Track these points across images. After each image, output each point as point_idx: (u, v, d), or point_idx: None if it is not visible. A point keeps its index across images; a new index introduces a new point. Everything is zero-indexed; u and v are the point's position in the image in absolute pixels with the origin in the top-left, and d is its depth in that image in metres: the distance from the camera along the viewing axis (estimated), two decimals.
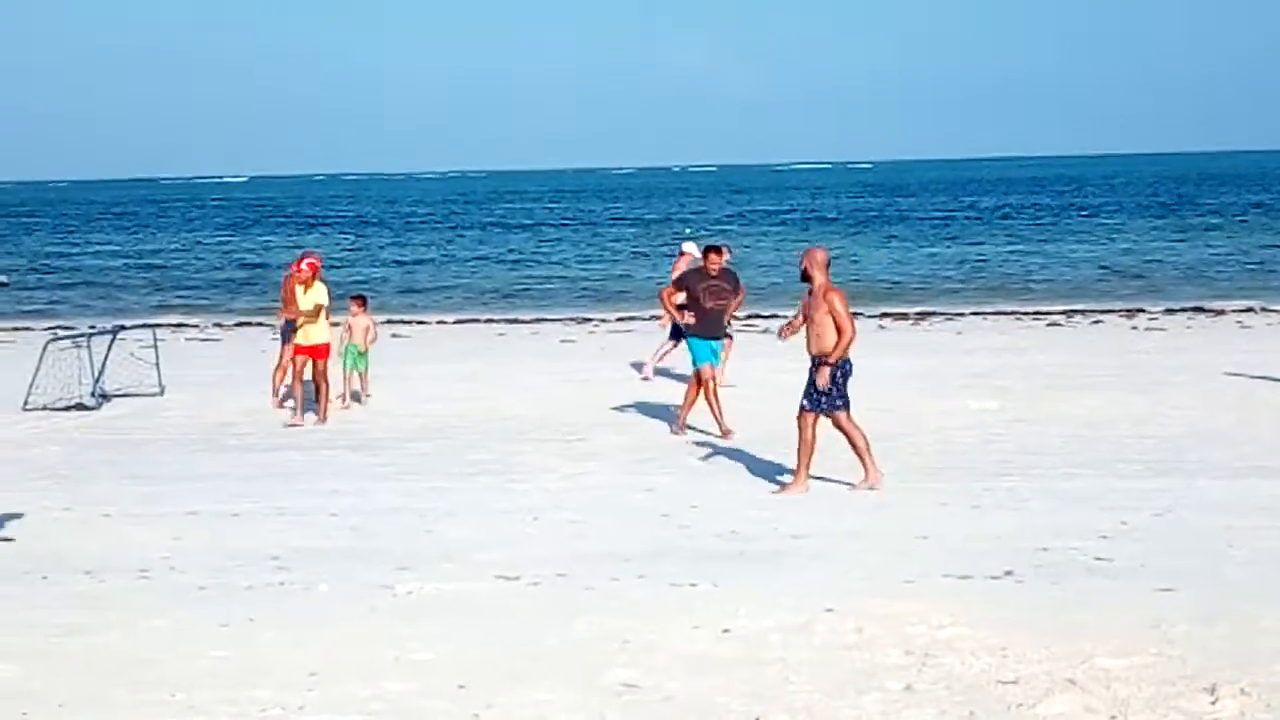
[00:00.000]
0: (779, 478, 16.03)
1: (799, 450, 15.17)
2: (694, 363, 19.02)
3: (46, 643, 10.10)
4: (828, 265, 15.28)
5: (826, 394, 15.01)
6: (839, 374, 15.06)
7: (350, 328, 22.39)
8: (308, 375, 20.86)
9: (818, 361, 15.05)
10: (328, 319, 20.89)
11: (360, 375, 22.38)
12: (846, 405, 15.11)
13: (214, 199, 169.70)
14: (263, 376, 24.60)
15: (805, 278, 15.22)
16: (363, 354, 22.29)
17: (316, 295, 20.78)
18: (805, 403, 15.15)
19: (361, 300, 23.10)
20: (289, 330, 21.50)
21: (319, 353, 20.75)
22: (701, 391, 18.90)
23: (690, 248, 23.67)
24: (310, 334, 20.80)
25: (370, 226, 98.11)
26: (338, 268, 62.52)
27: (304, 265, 20.77)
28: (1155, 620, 9.97)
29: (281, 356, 22.20)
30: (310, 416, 20.59)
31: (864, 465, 15.25)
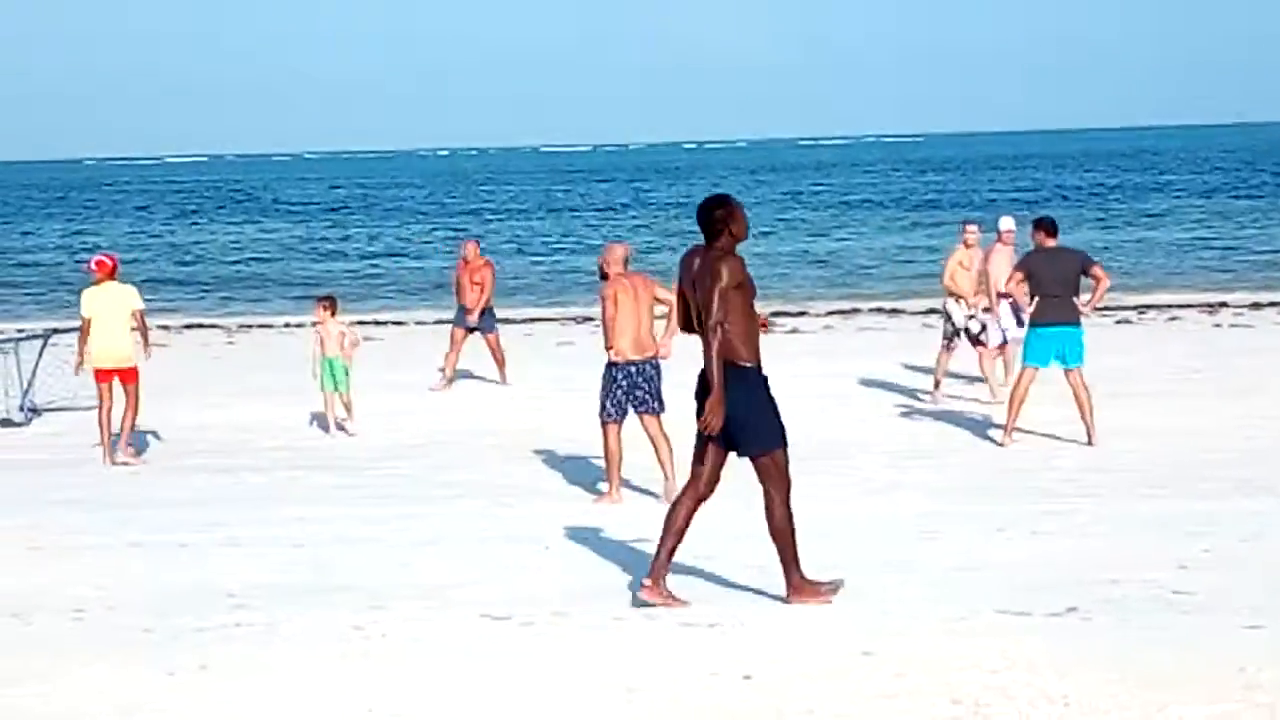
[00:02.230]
0: (814, 502, 16.03)
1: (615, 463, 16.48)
2: (1027, 359, 19.06)
3: None
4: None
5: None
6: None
7: (321, 338, 21.38)
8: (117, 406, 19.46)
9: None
10: (144, 330, 19.78)
11: (342, 398, 21.30)
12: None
13: (162, 181, 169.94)
14: (215, 386, 24.59)
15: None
16: (344, 369, 21.25)
17: (109, 301, 19.45)
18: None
19: (330, 302, 22.02)
20: (462, 313, 25.39)
21: (125, 375, 19.51)
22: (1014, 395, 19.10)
23: (1009, 223, 22.92)
24: (109, 350, 19.43)
25: (335, 212, 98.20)
26: (282, 260, 62.61)
27: (93, 266, 19.79)
28: (1241, 663, 9.94)
29: (453, 336, 25.75)
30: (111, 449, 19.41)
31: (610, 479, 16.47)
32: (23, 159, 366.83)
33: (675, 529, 11.85)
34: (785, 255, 58.56)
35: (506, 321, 37.51)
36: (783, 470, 11.81)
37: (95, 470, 18.93)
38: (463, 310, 25.83)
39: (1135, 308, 37.06)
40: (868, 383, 24.68)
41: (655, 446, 16.54)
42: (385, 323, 38.53)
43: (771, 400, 11.75)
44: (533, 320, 38.04)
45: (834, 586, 11.92)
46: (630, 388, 16.35)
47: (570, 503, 16.34)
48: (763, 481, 11.86)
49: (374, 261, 61.31)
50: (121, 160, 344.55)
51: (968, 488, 16.46)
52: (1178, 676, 9.72)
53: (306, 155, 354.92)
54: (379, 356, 30.05)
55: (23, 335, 24.71)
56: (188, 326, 38.99)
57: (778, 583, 12.58)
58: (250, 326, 38.81)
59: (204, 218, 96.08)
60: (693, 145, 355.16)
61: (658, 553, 11.84)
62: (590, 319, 38.01)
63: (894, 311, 37.24)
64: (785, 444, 11.83)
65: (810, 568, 13.07)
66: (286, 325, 38.65)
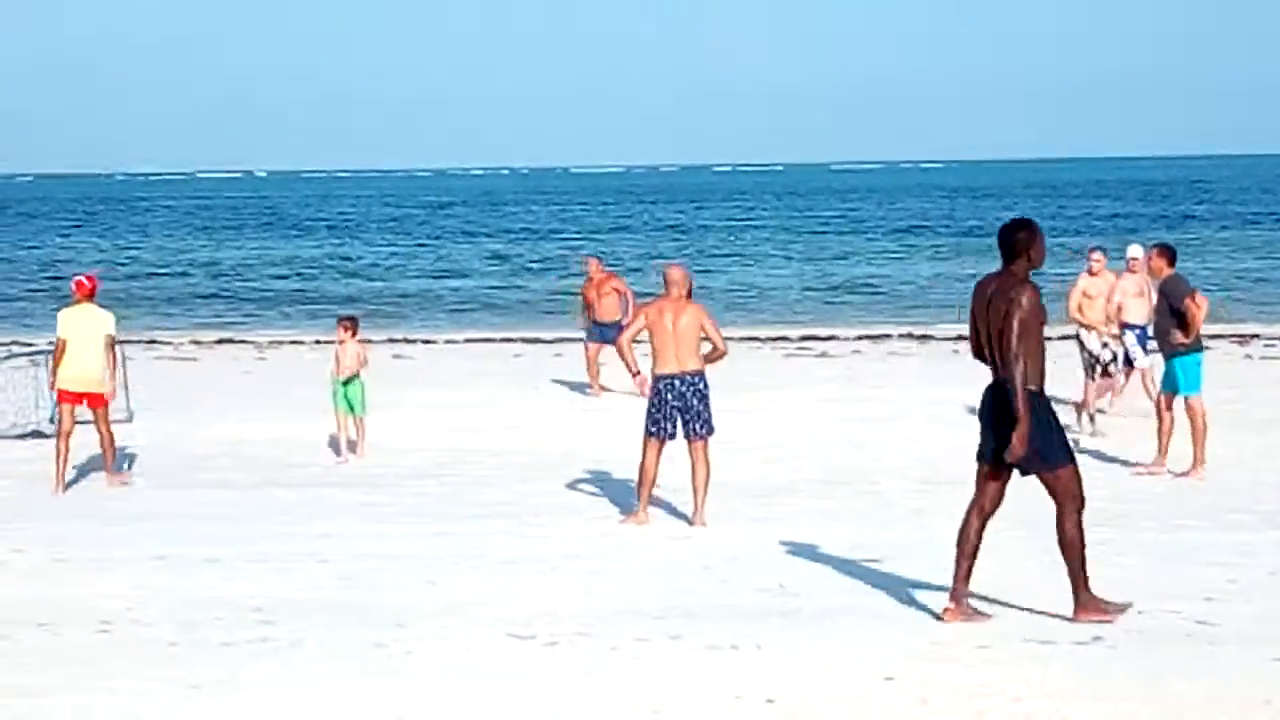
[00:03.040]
0: (840, 526, 16.01)
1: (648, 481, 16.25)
2: (1185, 388, 18.81)
3: None
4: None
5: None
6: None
7: (338, 358, 20.92)
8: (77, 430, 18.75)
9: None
10: (113, 360, 18.98)
11: (357, 422, 20.74)
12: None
13: (195, 196, 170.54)
14: (245, 401, 24.68)
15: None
16: (360, 390, 20.73)
17: (84, 324, 18.80)
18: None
19: (352, 322, 21.43)
20: (596, 328, 26.09)
21: (94, 400, 18.78)
22: (1193, 424, 18.76)
23: (1136, 251, 22.49)
24: (79, 374, 18.68)
25: (366, 230, 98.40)
26: (316, 277, 62.77)
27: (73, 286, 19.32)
28: (1267, 695, 9.91)
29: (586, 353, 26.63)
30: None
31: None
32: (54, 172, 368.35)
33: (968, 550, 11.93)
34: (823, 279, 58.56)
35: (537, 342, 37.66)
36: (1071, 486, 11.88)
37: (123, 483, 18.97)
38: (595, 326, 26.52)
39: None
40: (897, 407, 24.64)
41: (694, 470, 16.27)
42: (415, 341, 38.58)
43: (1055, 419, 11.86)
44: (562, 340, 38.04)
45: (1121, 608, 11.89)
46: (678, 402, 16.00)
47: (597, 523, 16.34)
48: (1054, 498, 11.93)
49: (406, 280, 61.43)
50: (153, 175, 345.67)
51: (996, 514, 16.38)
52: (1203, 708, 9.69)
53: (339, 174, 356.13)
54: (409, 375, 30.10)
55: (53, 347, 24.76)
56: (219, 342, 39.07)
57: (799, 607, 12.57)
58: (281, 343, 38.87)
59: (238, 233, 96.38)
60: (726, 168, 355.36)
61: (955, 575, 11.92)
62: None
63: (924, 338, 37.16)
64: (1073, 461, 11.92)
65: (837, 592, 13.07)
66: (318, 342, 38.70)
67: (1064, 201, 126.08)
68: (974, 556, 11.90)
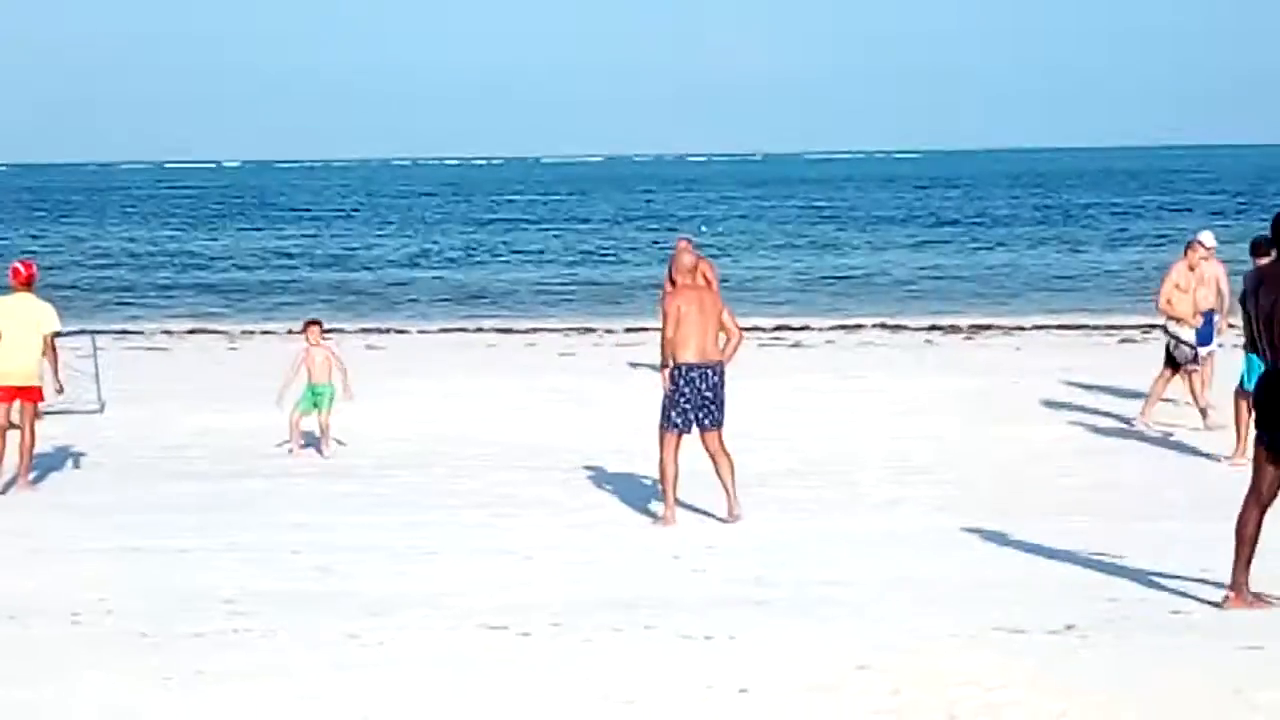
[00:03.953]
0: (813, 516, 16.04)
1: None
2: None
3: None
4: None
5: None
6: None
7: (306, 363, 20.47)
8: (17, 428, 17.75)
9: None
10: (54, 358, 17.85)
11: (321, 416, 20.29)
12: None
13: (166, 186, 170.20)
14: (217, 391, 24.64)
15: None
16: (330, 393, 20.32)
17: (20, 313, 17.69)
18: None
19: (318, 325, 21.22)
20: None
21: (27, 394, 17.74)
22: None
23: (1210, 239, 22.16)
24: (13, 368, 17.60)
25: (342, 219, 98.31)
26: (290, 266, 62.70)
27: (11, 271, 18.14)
28: (1238, 684, 9.93)
29: None
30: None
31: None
32: (21, 162, 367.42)
33: (1248, 538, 11.86)
34: (799, 270, 58.63)
35: (510, 331, 37.65)
36: None
37: (94, 474, 18.92)
38: None
39: (1140, 327, 37.04)
40: (870, 398, 24.68)
41: (716, 464, 15.83)
42: (387, 330, 38.55)
43: None
44: (536, 330, 38.05)
45: (1270, 601, 11.89)
46: (695, 396, 15.59)
47: (571, 514, 16.34)
48: None
49: (377, 269, 61.35)
50: (125, 165, 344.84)
51: (969, 504, 16.46)
52: (1175, 696, 9.72)
53: (311, 163, 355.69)
54: (382, 365, 30.06)
55: None
56: (190, 332, 38.99)
57: (772, 598, 12.59)
58: (253, 332, 38.81)
59: (210, 223, 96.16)
60: (701, 158, 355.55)
61: (1235, 564, 11.85)
62: (591, 329, 38.04)
63: (897, 328, 37.23)
64: None
65: (810, 582, 13.08)
66: (290, 332, 38.65)
67: (1049, 192, 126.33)
68: (1253, 545, 11.79)
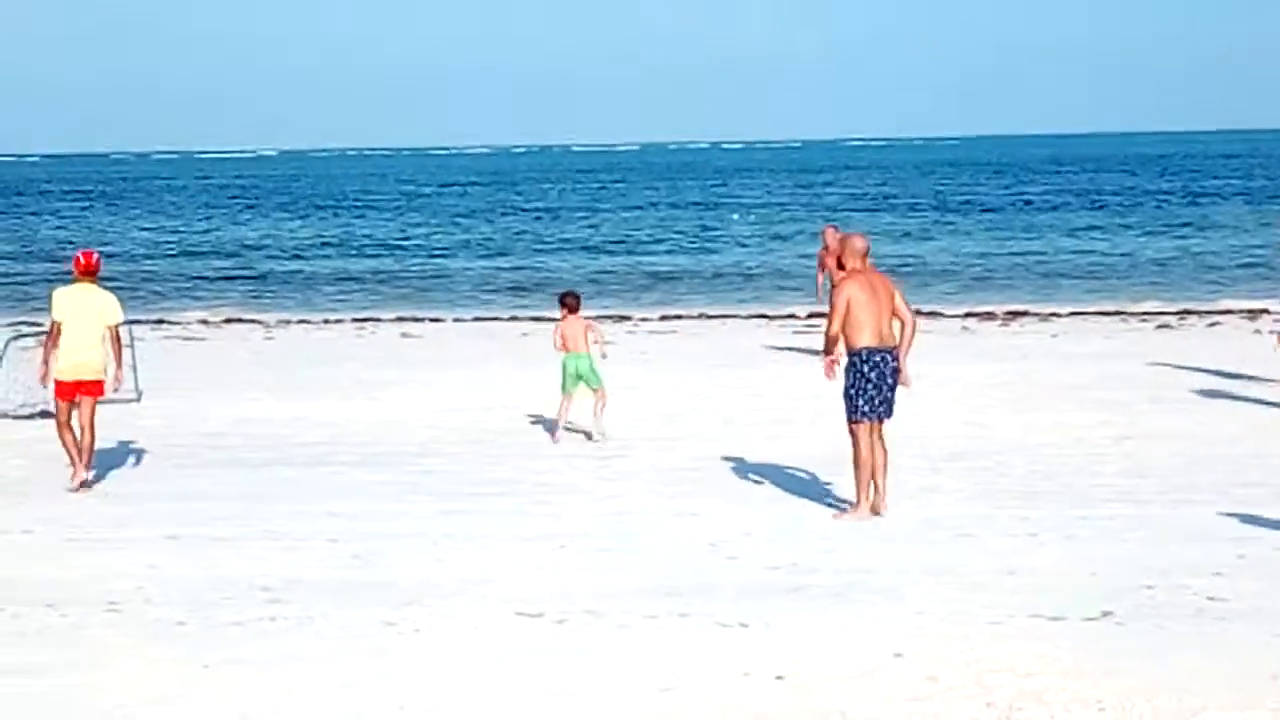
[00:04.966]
0: (843, 501, 16.03)
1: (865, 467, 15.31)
2: None
3: (1, 684, 10.17)
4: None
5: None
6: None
7: (562, 333, 20.28)
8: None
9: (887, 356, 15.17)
10: (118, 350, 17.35)
11: (597, 394, 20.02)
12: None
13: (201, 176, 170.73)
14: (254, 380, 24.73)
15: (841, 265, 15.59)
16: (590, 364, 20.04)
17: (84, 305, 17.25)
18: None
19: (573, 297, 20.79)
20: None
21: (89, 389, 17.24)
22: None
23: None
24: (78, 362, 17.14)
25: (378, 208, 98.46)
26: (324, 256, 62.80)
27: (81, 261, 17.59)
28: (1275, 670, 9.92)
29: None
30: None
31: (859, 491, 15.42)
32: (61, 152, 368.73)
33: None
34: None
35: (544, 320, 37.68)
36: None
37: (132, 463, 19.00)
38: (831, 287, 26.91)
39: (1177, 313, 36.93)
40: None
41: (876, 451, 15.35)
42: (423, 319, 38.61)
43: None
44: None
45: None
46: (879, 381, 15.10)
47: (606, 501, 16.35)
48: None
49: (412, 258, 61.43)
50: (157, 155, 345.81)
51: (1004, 491, 16.43)
52: (1212, 682, 9.71)
53: (347, 151, 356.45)
54: (418, 354, 30.15)
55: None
56: (227, 321, 39.12)
57: (808, 584, 12.59)
58: (289, 322, 38.92)
59: (247, 213, 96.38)
60: (739, 145, 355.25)
61: None
62: (626, 317, 38.04)
63: (934, 314, 37.15)
64: None
65: (847, 570, 13.08)
66: (325, 321, 38.78)
67: (1090, 177, 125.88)
68: None
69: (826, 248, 27.57)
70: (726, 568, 13.27)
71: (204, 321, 39.00)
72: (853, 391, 15.21)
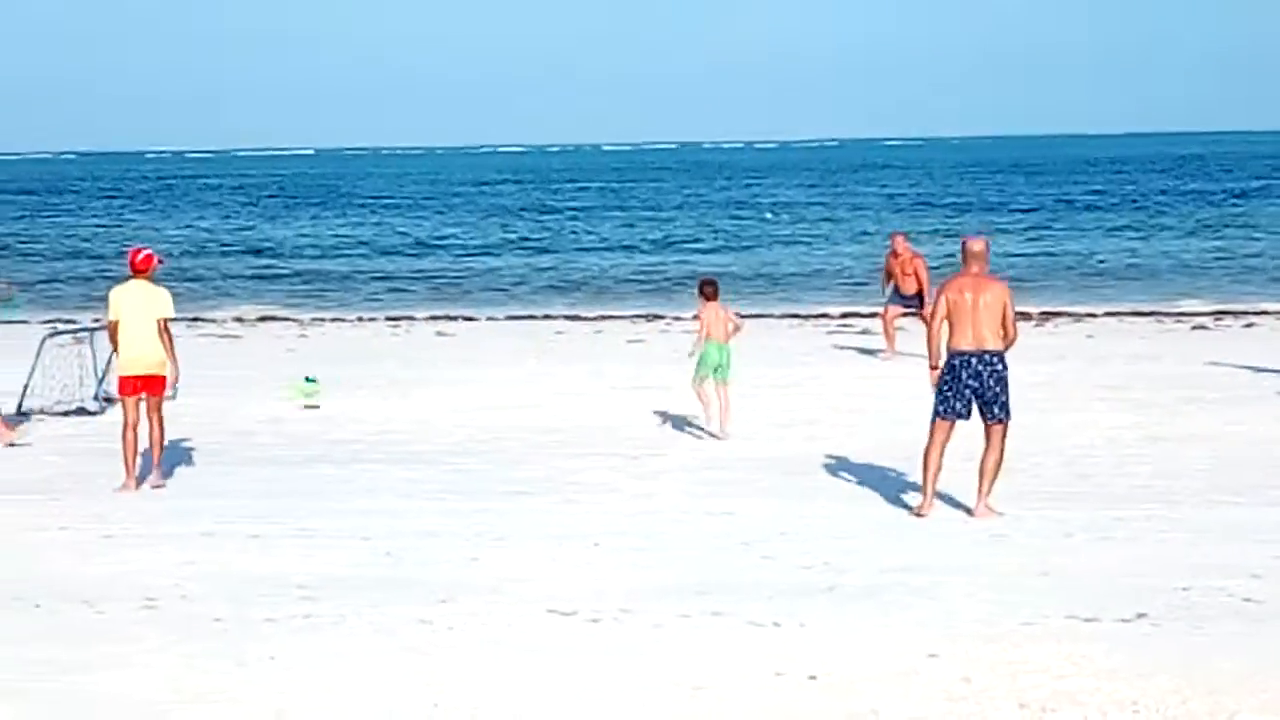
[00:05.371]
0: (883, 504, 16.01)
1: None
2: None
3: (36, 681, 10.22)
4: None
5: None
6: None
7: (703, 320, 20.09)
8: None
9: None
10: (169, 346, 17.37)
11: (720, 386, 19.92)
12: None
13: (232, 174, 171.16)
14: (288, 377, 24.77)
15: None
16: (727, 355, 19.91)
17: (139, 301, 17.36)
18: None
19: (712, 288, 20.40)
20: (896, 295, 27.52)
21: (152, 385, 17.38)
22: None
23: None
24: (137, 355, 17.32)
25: (407, 208, 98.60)
26: (357, 255, 62.91)
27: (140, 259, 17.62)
28: None
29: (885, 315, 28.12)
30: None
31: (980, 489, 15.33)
32: (81, 149, 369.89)
33: None
34: (874, 258, 58.48)
35: (578, 319, 37.73)
36: None
37: (167, 460, 19.06)
38: (898, 295, 27.80)
39: (1212, 314, 36.81)
40: None
41: (985, 454, 15.27)
42: (457, 317, 38.68)
43: None
44: (604, 318, 38.11)
45: None
46: (973, 381, 15.09)
47: (639, 500, 16.35)
48: None
49: (446, 257, 61.53)
50: (193, 153, 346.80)
51: (1039, 493, 16.39)
52: (1247, 684, 9.68)
53: (381, 149, 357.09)
54: (451, 352, 30.19)
55: (98, 325, 24.87)
56: (261, 319, 39.23)
57: (842, 584, 12.58)
58: (323, 320, 39.03)
59: (281, 210, 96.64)
60: (774, 144, 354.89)
61: None
62: (659, 316, 38.04)
63: None
64: None
65: (880, 570, 13.07)
66: (360, 319, 38.87)
67: (1128, 178, 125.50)
68: None
69: (895, 254, 27.77)
70: (760, 567, 13.27)
71: (239, 319, 39.11)
72: (940, 389, 15.30)
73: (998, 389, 15.17)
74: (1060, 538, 14.27)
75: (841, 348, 29.78)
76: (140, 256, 17.70)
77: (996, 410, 15.21)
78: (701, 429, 20.38)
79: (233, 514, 15.65)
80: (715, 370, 19.91)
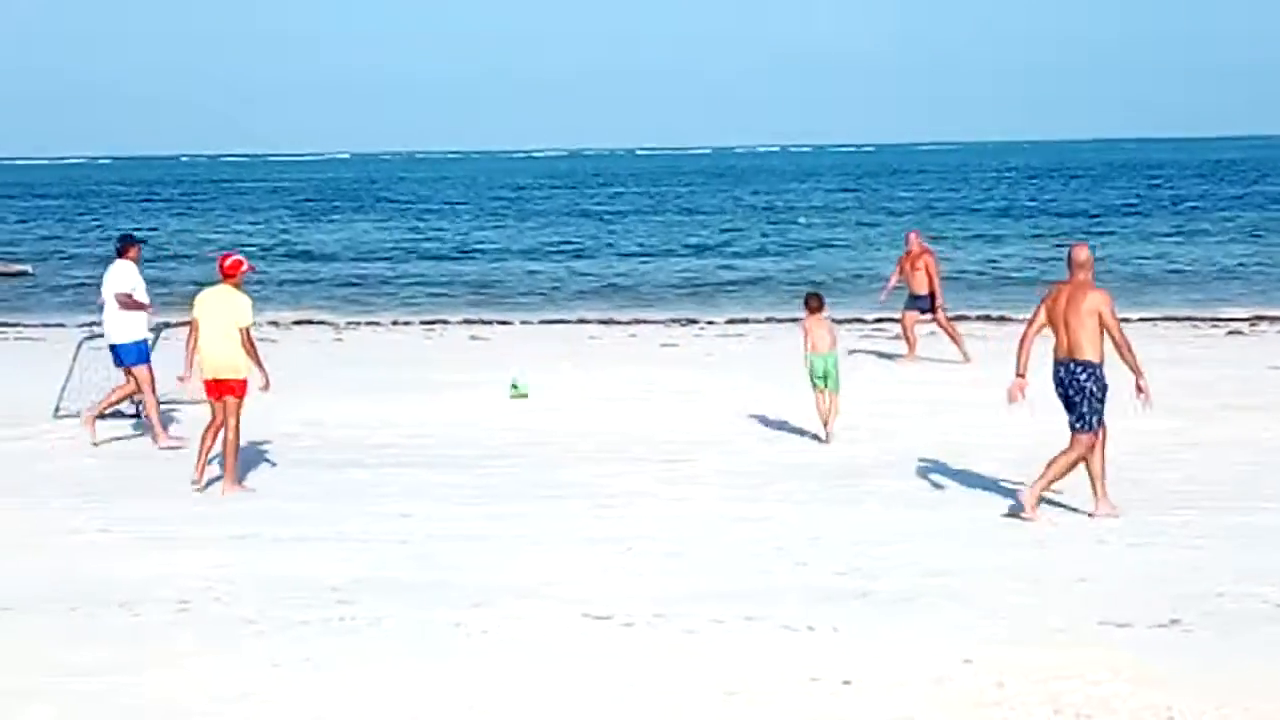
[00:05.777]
0: (917, 509, 15.99)
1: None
2: None
3: (72, 683, 10.27)
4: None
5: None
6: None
7: (808, 333, 20.27)
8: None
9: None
10: (250, 351, 17.51)
11: (829, 396, 20.06)
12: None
13: (269, 178, 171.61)
14: (324, 382, 24.85)
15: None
16: (834, 365, 20.09)
17: (218, 306, 17.53)
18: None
19: (817, 301, 20.67)
20: (911, 299, 27.68)
21: (230, 389, 17.48)
22: None
23: None
24: (214, 359, 17.44)
25: (444, 212, 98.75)
26: (398, 259, 63.02)
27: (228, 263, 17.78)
28: None
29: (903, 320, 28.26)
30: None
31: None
32: (119, 154, 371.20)
33: None
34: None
35: (612, 323, 37.74)
36: None
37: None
38: (911, 298, 27.88)
39: (1248, 319, 36.68)
40: (978, 391, 24.55)
41: (1086, 462, 15.29)
42: (491, 322, 38.73)
43: None
44: (637, 322, 38.13)
45: None
46: (1059, 389, 15.26)
47: (673, 504, 16.36)
48: None
49: (481, 261, 61.64)
50: (228, 157, 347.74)
51: (1073, 497, 16.36)
52: None
53: (417, 154, 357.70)
54: (485, 356, 30.23)
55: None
56: (296, 323, 39.32)
57: (876, 590, 12.58)
58: (359, 324, 39.12)
59: (317, 215, 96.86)
60: (809, 148, 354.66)
61: None
62: (693, 321, 38.04)
63: (1002, 319, 37.02)
64: None
65: (914, 575, 13.06)
66: (394, 323, 38.95)
67: (1166, 183, 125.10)
68: None
69: (908, 252, 27.91)
70: (793, 572, 13.27)
71: (274, 323, 39.20)
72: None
73: (1077, 399, 15.24)
74: (1094, 544, 14.24)
75: (876, 353, 29.73)
76: (229, 261, 17.79)
77: (1072, 419, 15.32)
78: (738, 433, 20.38)
79: (268, 516, 15.71)
80: (822, 379, 20.08)
